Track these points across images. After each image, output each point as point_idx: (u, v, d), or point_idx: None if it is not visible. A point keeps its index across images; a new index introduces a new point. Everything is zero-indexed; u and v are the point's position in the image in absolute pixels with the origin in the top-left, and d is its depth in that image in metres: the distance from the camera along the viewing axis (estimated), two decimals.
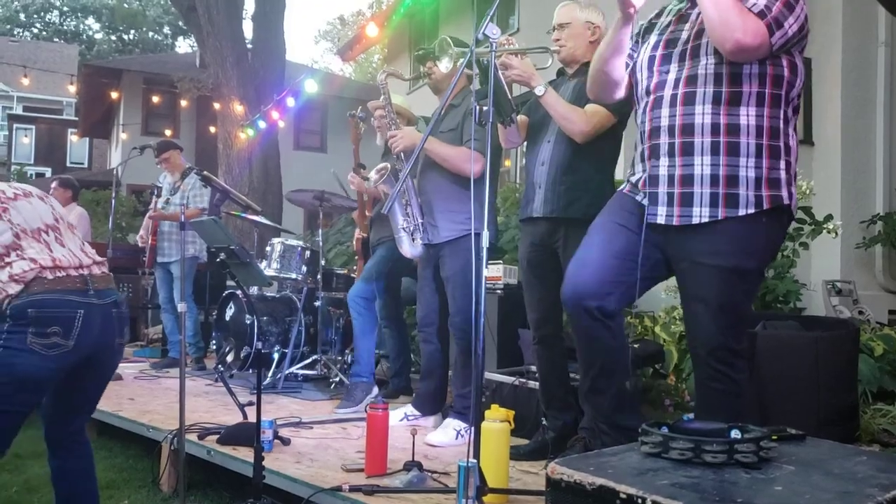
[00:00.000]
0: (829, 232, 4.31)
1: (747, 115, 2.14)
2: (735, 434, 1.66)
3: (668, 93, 2.22)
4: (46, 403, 2.40)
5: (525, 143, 3.22)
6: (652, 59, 2.30)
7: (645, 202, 2.29)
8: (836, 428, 2.87)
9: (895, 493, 1.45)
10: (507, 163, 10.34)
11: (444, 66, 2.77)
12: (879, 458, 1.84)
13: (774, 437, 1.75)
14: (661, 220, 2.24)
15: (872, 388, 3.56)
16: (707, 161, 2.15)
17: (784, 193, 2.15)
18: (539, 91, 2.84)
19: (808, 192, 4.27)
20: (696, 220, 2.17)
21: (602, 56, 2.39)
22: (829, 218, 4.33)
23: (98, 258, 2.44)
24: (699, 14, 2.19)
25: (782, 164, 2.16)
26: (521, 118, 3.11)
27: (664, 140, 2.22)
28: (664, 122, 2.22)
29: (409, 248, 3.57)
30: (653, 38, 2.35)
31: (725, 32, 2.05)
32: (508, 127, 2.94)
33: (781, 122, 2.17)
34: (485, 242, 2.24)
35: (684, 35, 2.25)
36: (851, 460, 1.71)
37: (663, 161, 2.22)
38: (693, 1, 2.25)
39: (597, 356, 2.41)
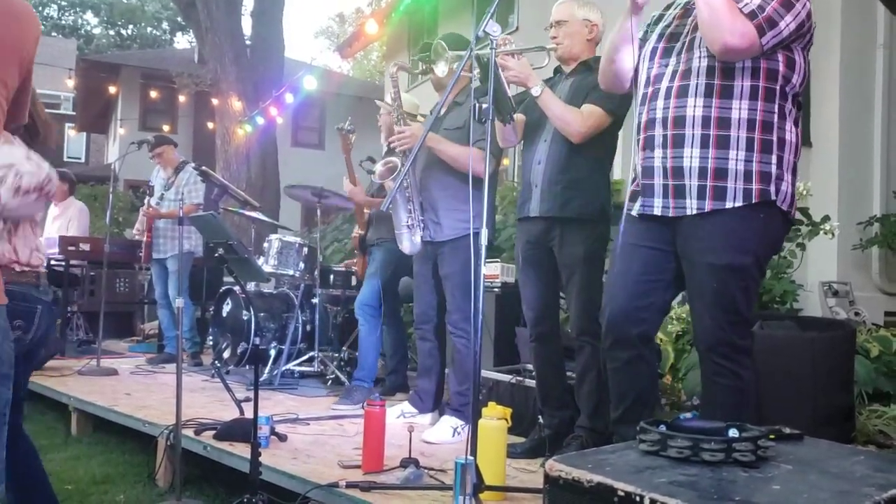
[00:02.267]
0: (826, 233, 4.32)
1: (739, 109, 2.15)
2: (733, 433, 1.66)
3: (664, 85, 2.25)
4: None
5: (522, 143, 3.22)
6: (654, 50, 2.33)
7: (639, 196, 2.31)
8: (833, 429, 2.87)
9: (892, 492, 1.46)
10: (506, 161, 10.34)
11: (440, 69, 2.77)
12: (877, 457, 1.85)
13: (772, 437, 1.76)
14: (657, 211, 2.27)
15: (868, 389, 3.56)
16: (696, 153, 2.18)
17: (772, 188, 2.16)
18: (535, 91, 2.84)
19: (805, 192, 4.28)
20: (689, 212, 2.20)
21: (613, 44, 2.40)
22: (826, 219, 4.33)
23: (43, 256, 2.34)
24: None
25: (773, 159, 2.16)
26: (518, 117, 3.10)
27: (658, 132, 2.25)
28: (658, 114, 2.25)
29: (409, 244, 3.52)
30: (657, 31, 2.37)
31: (714, 34, 2.09)
32: (507, 125, 2.94)
33: (776, 116, 2.17)
34: (483, 240, 2.24)
35: (686, 29, 2.27)
36: (849, 460, 1.71)
37: (657, 153, 2.25)
38: None
39: (632, 387, 2.39)
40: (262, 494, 2.55)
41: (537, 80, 2.85)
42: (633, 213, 2.35)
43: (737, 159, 2.15)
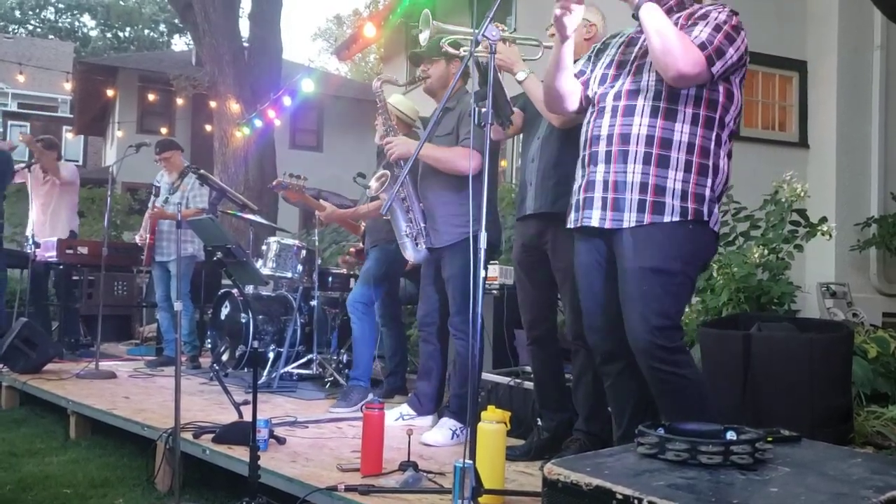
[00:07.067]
0: (823, 234, 4.32)
1: (681, 132, 2.27)
2: (731, 435, 1.67)
3: (609, 104, 2.36)
4: None
5: (521, 143, 3.22)
6: (605, 76, 2.44)
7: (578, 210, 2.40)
8: (830, 430, 2.88)
9: (890, 495, 1.46)
10: (504, 163, 10.34)
11: (423, 37, 2.81)
12: (874, 459, 1.86)
13: (770, 439, 1.76)
14: (594, 222, 2.35)
15: (866, 390, 3.57)
16: (638, 169, 2.28)
17: (705, 210, 2.27)
18: (520, 77, 2.88)
19: (802, 194, 4.28)
20: (625, 224, 2.28)
21: (548, 73, 2.51)
22: (823, 220, 4.33)
23: None
24: (644, 40, 2.31)
25: (708, 183, 2.28)
26: (517, 111, 3.09)
27: (602, 148, 2.35)
28: (604, 131, 2.35)
29: (413, 252, 3.56)
30: (607, 57, 2.48)
31: (667, 60, 2.19)
32: (506, 129, 2.94)
33: (713, 143, 2.30)
34: (482, 243, 2.24)
35: (632, 56, 2.39)
36: (846, 462, 1.72)
37: (600, 167, 2.35)
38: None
39: (628, 399, 2.45)
40: (261, 498, 2.56)
41: (523, 65, 2.88)
42: (570, 225, 2.46)
43: (675, 179, 2.26)
